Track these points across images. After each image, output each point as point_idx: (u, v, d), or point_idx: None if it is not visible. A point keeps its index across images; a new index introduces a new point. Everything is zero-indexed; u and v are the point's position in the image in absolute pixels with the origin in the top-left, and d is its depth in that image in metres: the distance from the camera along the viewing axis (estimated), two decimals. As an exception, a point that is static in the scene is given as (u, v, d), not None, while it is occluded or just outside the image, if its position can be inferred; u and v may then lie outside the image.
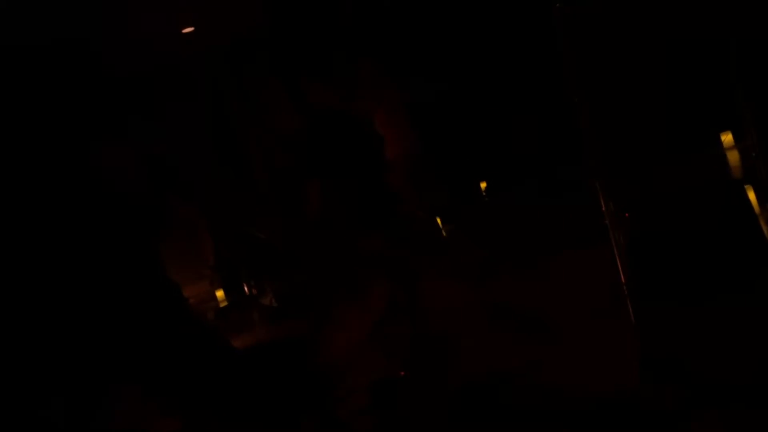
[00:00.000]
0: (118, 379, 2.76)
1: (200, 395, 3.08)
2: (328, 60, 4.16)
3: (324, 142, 4.28)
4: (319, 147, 4.32)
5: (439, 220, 4.83)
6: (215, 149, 6.04)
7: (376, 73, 4.23)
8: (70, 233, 2.81)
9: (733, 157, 4.23)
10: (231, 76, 5.79)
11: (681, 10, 3.85)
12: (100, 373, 2.85)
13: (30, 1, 3.86)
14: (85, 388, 2.74)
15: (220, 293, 6.32)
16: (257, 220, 5.47)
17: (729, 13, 3.63)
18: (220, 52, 5.71)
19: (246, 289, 6.13)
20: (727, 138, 4.21)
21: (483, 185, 5.42)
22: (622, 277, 3.22)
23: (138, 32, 4.97)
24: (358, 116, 4.16)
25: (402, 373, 3.79)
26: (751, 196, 3.78)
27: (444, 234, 4.87)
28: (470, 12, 4.84)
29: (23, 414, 2.76)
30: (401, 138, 4.26)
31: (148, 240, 3.39)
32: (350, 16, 4.36)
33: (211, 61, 5.81)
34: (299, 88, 4.30)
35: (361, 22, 4.44)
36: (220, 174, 5.92)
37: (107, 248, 3.00)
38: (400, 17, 4.68)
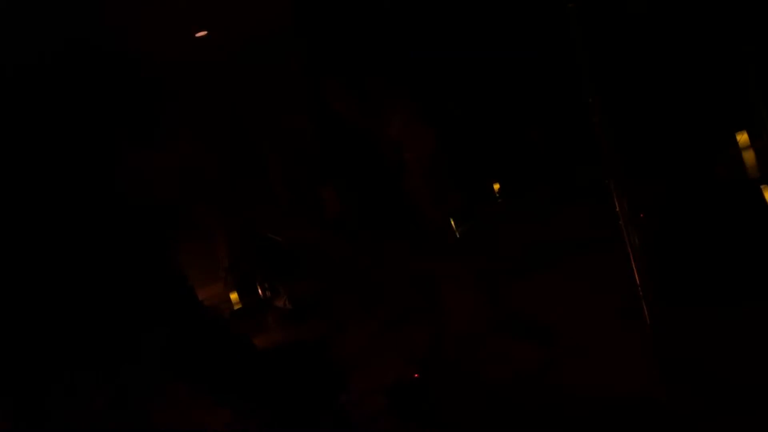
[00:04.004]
0: (164, 376, 2.80)
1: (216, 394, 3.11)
2: (350, 68, 4.17)
3: (340, 146, 4.30)
4: (334, 150, 4.34)
5: (453, 222, 4.83)
6: (232, 152, 6.07)
7: (393, 81, 4.25)
8: (97, 233, 2.87)
9: (749, 156, 4.21)
10: (248, 79, 5.82)
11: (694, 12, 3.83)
12: (143, 368, 2.90)
13: (41, 5, 3.91)
14: (125, 384, 2.79)
15: (234, 296, 6.34)
16: (274, 223, 5.49)
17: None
18: (235, 56, 5.73)
19: (260, 291, 6.15)
20: (742, 138, 4.19)
21: (496, 187, 5.41)
22: (637, 278, 3.20)
23: (149, 37, 5.00)
24: (375, 121, 4.17)
25: (416, 375, 3.79)
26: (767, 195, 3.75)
27: (458, 236, 4.86)
28: (482, 14, 4.83)
29: (63, 409, 2.80)
30: (417, 140, 4.27)
31: (168, 242, 3.44)
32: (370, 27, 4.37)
33: (226, 66, 5.84)
34: (318, 93, 4.32)
35: (377, 33, 4.45)
36: (236, 176, 5.95)
37: (133, 248, 3.05)
38: (411, 25, 4.68)
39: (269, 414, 3.10)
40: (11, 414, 2.72)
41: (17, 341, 2.80)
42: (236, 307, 6.27)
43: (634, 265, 3.19)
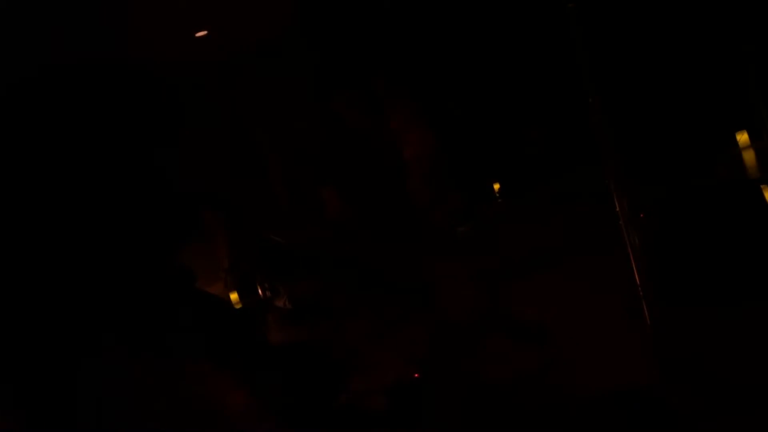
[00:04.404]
0: (191, 355, 2.84)
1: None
2: (351, 69, 4.18)
3: (340, 146, 4.30)
4: (335, 151, 4.34)
5: (453, 222, 4.82)
6: (232, 152, 6.07)
7: (393, 82, 4.25)
8: (127, 227, 2.92)
9: (749, 156, 4.20)
10: (248, 79, 5.81)
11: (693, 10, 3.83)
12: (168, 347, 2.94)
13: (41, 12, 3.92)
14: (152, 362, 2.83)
15: (234, 296, 6.34)
16: (274, 223, 5.49)
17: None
18: (237, 56, 5.73)
19: (260, 291, 6.15)
20: (742, 137, 4.18)
21: (496, 187, 5.41)
22: (638, 278, 3.20)
23: (149, 37, 5.00)
24: (375, 121, 4.17)
25: (416, 375, 3.79)
26: (768, 196, 3.75)
27: (458, 236, 4.86)
28: (482, 13, 4.83)
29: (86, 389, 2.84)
30: (417, 140, 4.27)
31: (178, 242, 3.48)
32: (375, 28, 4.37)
33: (228, 66, 5.84)
34: (318, 94, 4.32)
35: (377, 33, 4.45)
36: (237, 176, 5.95)
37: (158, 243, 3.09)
38: (411, 25, 4.68)
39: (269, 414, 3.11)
40: (50, 374, 2.74)
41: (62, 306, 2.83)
42: (236, 307, 6.27)
43: (634, 265, 3.19)
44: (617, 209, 3.21)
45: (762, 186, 3.75)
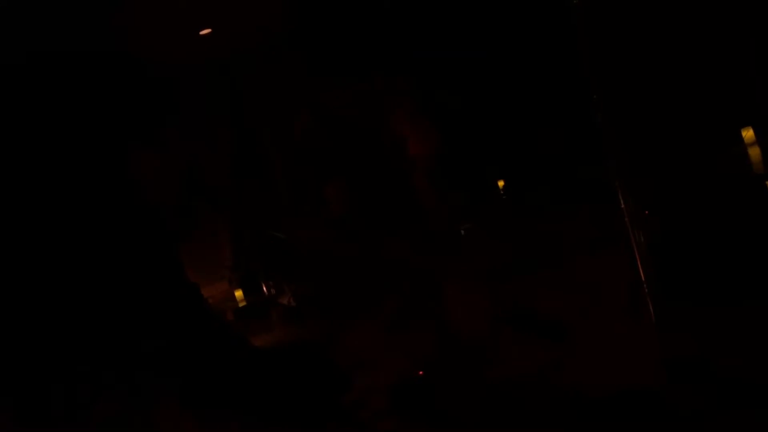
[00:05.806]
0: (153, 381, 2.82)
1: (220, 393, 3.12)
2: (354, 67, 4.17)
3: (343, 145, 4.29)
4: (338, 149, 4.33)
5: (457, 220, 4.82)
6: (236, 151, 6.07)
7: (395, 80, 4.25)
8: (102, 232, 2.89)
9: (755, 153, 4.18)
10: (250, 79, 5.82)
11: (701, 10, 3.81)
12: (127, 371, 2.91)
13: (47, 8, 3.92)
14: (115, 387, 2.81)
15: (239, 293, 6.35)
16: (278, 222, 5.49)
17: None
18: (239, 54, 5.73)
19: (265, 289, 6.16)
20: (748, 134, 4.16)
21: (501, 184, 5.40)
22: (643, 276, 3.19)
23: (153, 37, 5.00)
24: (379, 120, 4.17)
25: (420, 372, 3.79)
26: (773, 192, 3.73)
27: (463, 233, 4.86)
28: (487, 14, 4.82)
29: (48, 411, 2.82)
30: (421, 139, 4.27)
31: (173, 242, 3.46)
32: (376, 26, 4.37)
33: (230, 64, 5.84)
34: (322, 92, 4.32)
35: (381, 32, 4.44)
36: (241, 176, 5.95)
37: (135, 248, 3.06)
38: (413, 23, 4.67)
39: (271, 413, 3.10)
40: (12, 411, 2.73)
41: (21, 340, 2.81)
42: (241, 304, 6.28)
43: (639, 263, 3.18)
44: (622, 207, 3.20)
45: (767, 182, 3.73)
